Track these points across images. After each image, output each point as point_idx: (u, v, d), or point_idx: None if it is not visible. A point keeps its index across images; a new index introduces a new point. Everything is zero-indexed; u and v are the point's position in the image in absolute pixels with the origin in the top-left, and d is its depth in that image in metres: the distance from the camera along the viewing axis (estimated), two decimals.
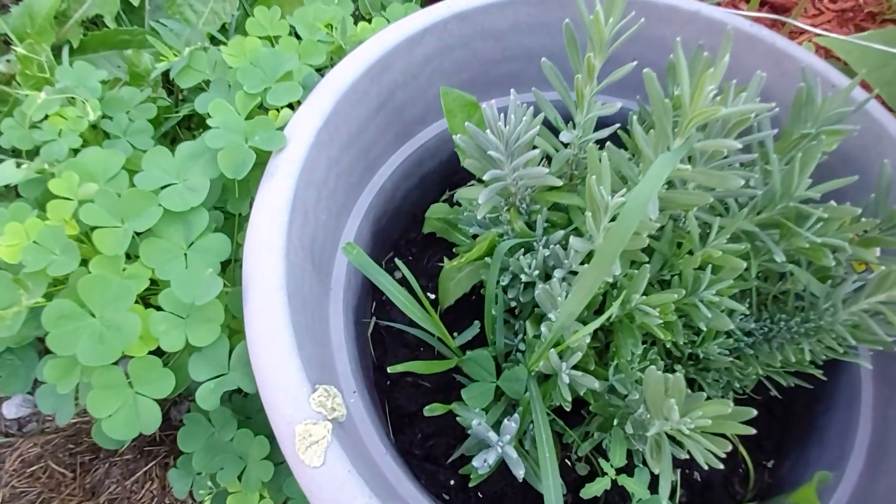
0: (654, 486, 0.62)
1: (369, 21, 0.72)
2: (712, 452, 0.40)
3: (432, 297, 0.71)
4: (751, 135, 0.54)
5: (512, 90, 0.48)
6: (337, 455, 0.41)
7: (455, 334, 0.61)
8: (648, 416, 0.43)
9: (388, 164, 0.68)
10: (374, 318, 0.68)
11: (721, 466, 0.39)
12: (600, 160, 0.41)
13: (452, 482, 0.60)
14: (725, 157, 0.49)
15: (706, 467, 0.40)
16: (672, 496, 0.62)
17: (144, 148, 0.61)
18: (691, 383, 0.63)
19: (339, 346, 0.57)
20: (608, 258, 0.39)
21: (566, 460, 0.63)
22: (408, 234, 0.76)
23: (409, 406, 0.65)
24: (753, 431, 0.38)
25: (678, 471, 0.64)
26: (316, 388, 0.43)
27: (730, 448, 0.40)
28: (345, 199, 0.62)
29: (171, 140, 0.80)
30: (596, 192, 0.41)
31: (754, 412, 0.41)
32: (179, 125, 0.78)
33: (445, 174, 0.76)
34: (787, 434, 0.68)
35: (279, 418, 0.42)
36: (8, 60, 0.76)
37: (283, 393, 0.42)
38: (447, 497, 0.61)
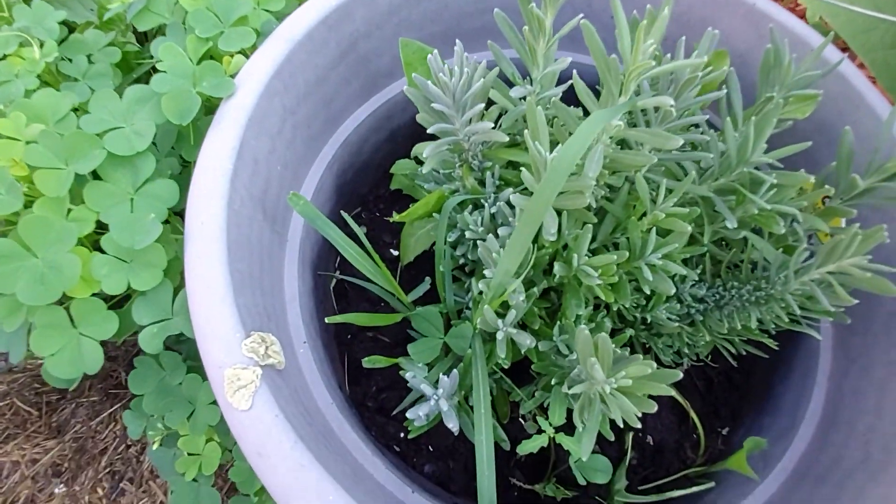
0: (603, 447, 0.63)
1: None
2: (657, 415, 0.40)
3: (396, 253, 0.71)
4: (725, 98, 0.53)
5: (458, 41, 0.46)
6: (265, 400, 0.41)
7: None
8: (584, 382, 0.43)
9: (354, 117, 0.67)
10: (337, 272, 0.69)
11: (639, 425, 0.39)
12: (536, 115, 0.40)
13: (402, 434, 0.61)
14: (681, 119, 0.48)
15: (636, 425, 0.40)
16: (623, 458, 0.63)
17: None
18: (646, 349, 0.63)
19: (293, 297, 0.57)
20: (536, 214, 0.38)
21: (521, 419, 0.64)
22: (377, 188, 0.75)
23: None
24: (672, 392, 0.38)
25: (631, 434, 0.64)
26: (250, 334, 0.44)
27: (654, 409, 0.40)
28: (304, 151, 0.61)
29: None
30: (532, 148, 0.40)
31: (679, 374, 0.41)
32: (152, 73, 0.77)
33: (418, 128, 0.74)
34: (744, 402, 0.69)
35: (211, 362, 0.42)
36: None
37: (215, 338, 0.43)
38: (398, 449, 0.62)
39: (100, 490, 0.64)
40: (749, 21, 0.65)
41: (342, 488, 0.40)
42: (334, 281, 0.69)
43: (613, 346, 0.39)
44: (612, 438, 0.52)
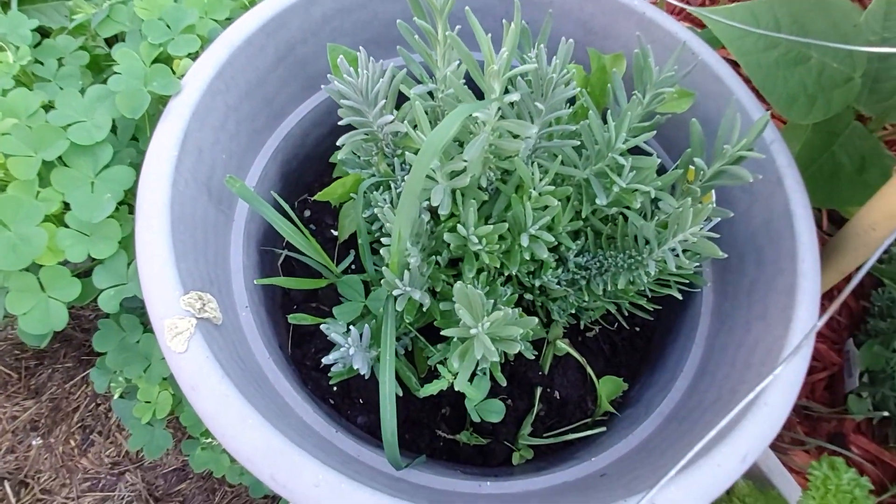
0: (515, 402, 0.71)
1: None
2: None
3: (336, 233, 0.80)
4: (612, 95, 0.63)
5: (361, 48, 0.55)
6: (198, 344, 0.50)
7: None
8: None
9: (296, 113, 0.76)
10: (279, 251, 0.77)
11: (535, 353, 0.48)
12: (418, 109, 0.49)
13: (335, 388, 0.70)
14: (550, 114, 0.57)
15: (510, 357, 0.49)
16: (531, 410, 0.72)
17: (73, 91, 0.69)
18: (546, 312, 0.72)
19: (237, 270, 0.66)
20: (413, 186, 0.47)
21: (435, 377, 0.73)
22: (321, 177, 0.84)
23: (309, 327, 0.74)
24: (522, 331, 0.47)
25: (539, 389, 0.73)
26: (188, 292, 0.52)
27: (516, 350, 0.49)
28: (248, 142, 0.70)
29: None
30: (412, 134, 0.49)
31: (535, 320, 0.50)
32: None
33: None
34: (642, 363, 0.78)
35: (154, 314, 0.51)
36: None
37: (157, 295, 0.51)
38: (332, 401, 0.71)
39: (72, 441, 0.72)
40: (641, 28, 0.74)
41: (261, 415, 0.49)
42: (281, 259, 0.78)
43: (503, 306, 0.48)
44: (505, 383, 0.61)
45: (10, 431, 0.73)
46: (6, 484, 0.70)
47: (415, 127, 0.60)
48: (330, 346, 0.74)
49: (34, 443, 0.72)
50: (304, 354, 0.72)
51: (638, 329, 0.80)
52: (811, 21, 0.74)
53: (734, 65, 0.75)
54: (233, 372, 0.52)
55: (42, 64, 0.69)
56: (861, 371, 0.99)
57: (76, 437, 0.73)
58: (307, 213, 0.81)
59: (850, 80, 0.74)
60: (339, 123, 0.83)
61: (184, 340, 0.50)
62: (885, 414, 0.92)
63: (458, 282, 0.48)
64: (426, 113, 0.62)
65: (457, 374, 0.60)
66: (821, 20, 0.74)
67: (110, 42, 0.89)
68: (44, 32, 0.79)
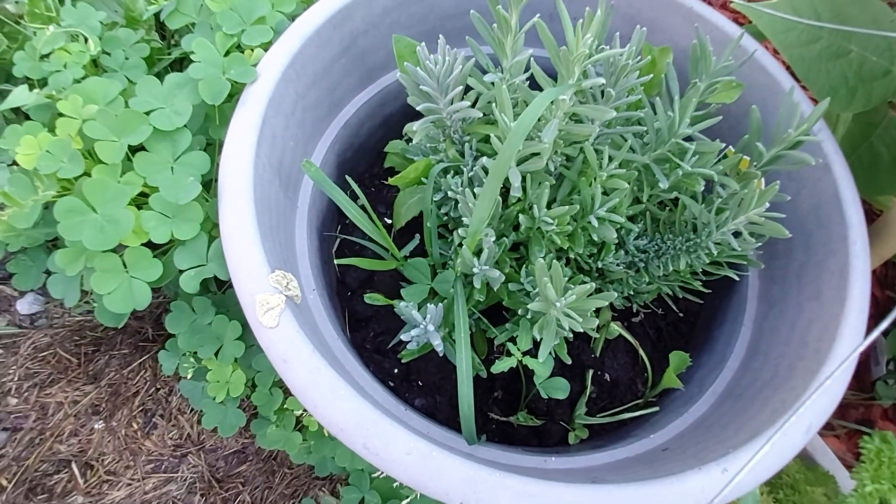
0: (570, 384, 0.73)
1: None
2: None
3: (390, 221, 0.82)
4: (664, 85, 0.65)
5: (441, 36, 0.57)
6: (288, 319, 0.52)
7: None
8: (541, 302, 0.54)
9: (353, 103, 0.78)
10: (339, 236, 0.79)
11: (596, 335, 0.50)
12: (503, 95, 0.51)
13: (396, 370, 0.72)
14: (620, 100, 0.60)
15: (574, 332, 0.51)
16: (584, 392, 0.74)
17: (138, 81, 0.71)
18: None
19: (303, 253, 0.68)
20: (501, 168, 0.49)
21: (496, 355, 0.75)
22: (372, 168, 0.86)
23: (365, 312, 0.76)
24: (607, 302, 0.49)
25: (591, 371, 0.75)
26: (274, 270, 0.54)
27: (595, 325, 0.51)
28: (312, 130, 0.72)
29: (163, 80, 0.90)
30: (499, 118, 0.51)
31: (615, 295, 0.52)
32: (171, 67, 0.88)
33: (407, 116, 0.85)
34: (688, 345, 0.80)
35: (244, 292, 0.53)
36: (16, 2, 0.84)
37: (247, 272, 0.53)
38: (392, 384, 0.72)
39: (135, 425, 0.74)
40: (688, 21, 0.77)
41: (350, 386, 0.51)
42: (336, 245, 0.80)
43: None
44: (570, 361, 0.63)
45: (72, 415, 0.74)
46: (73, 465, 0.72)
47: (485, 115, 0.62)
48: (388, 330, 0.76)
49: (97, 426, 0.74)
50: (363, 338, 0.74)
51: (682, 315, 0.82)
52: (851, 15, 0.76)
53: (776, 57, 0.78)
54: (318, 347, 0.53)
55: (109, 55, 0.71)
56: (888, 359, 1.02)
57: (138, 421, 0.75)
58: (358, 201, 0.83)
59: (889, 72, 0.77)
60: (392, 116, 0.85)
61: (275, 316, 0.52)
62: None
63: (539, 259, 0.50)
64: (491, 102, 0.64)
65: (526, 352, 0.62)
66: (861, 14, 0.77)
67: (163, 35, 0.91)
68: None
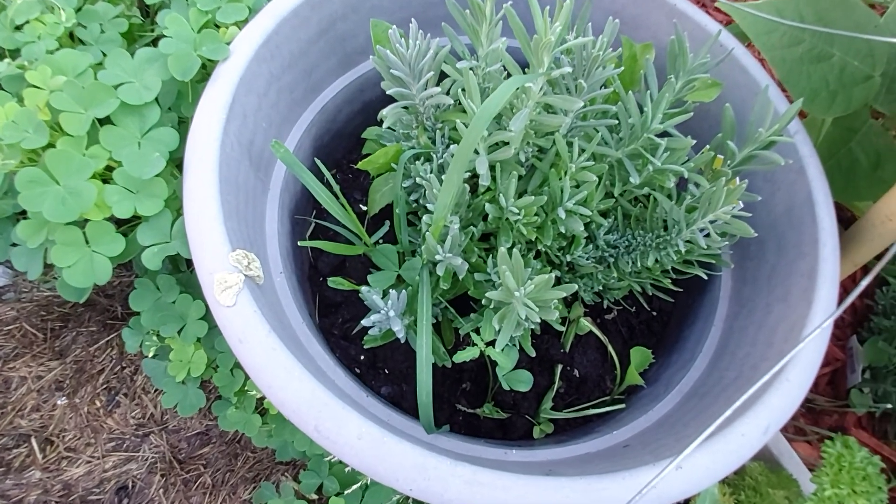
0: (537, 380, 0.72)
1: None
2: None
3: (365, 208, 0.81)
4: (643, 80, 0.65)
5: (413, 20, 0.57)
6: (246, 299, 0.51)
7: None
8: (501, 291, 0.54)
9: (331, 88, 0.77)
10: (313, 222, 0.79)
11: (561, 328, 0.50)
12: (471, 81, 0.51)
13: (363, 357, 0.72)
14: (592, 92, 0.59)
15: (544, 327, 0.51)
16: (551, 387, 0.74)
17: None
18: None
19: (272, 235, 0.68)
20: (464, 154, 0.48)
21: (462, 349, 0.74)
22: (350, 154, 0.85)
23: (335, 297, 0.75)
24: (567, 294, 0.48)
25: (560, 367, 0.75)
26: (235, 249, 0.54)
27: (555, 316, 0.51)
28: (287, 112, 0.71)
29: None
30: (465, 104, 0.50)
31: (575, 287, 0.52)
32: (153, 44, 0.87)
33: (386, 102, 0.85)
34: (660, 344, 0.80)
35: (203, 270, 0.52)
36: None
37: (207, 250, 0.53)
38: (358, 371, 0.72)
39: (97, 402, 0.73)
40: (671, 18, 0.76)
41: (306, 369, 0.50)
42: (311, 230, 0.79)
43: (530, 270, 0.50)
44: (534, 354, 0.63)
45: (35, 391, 0.74)
46: (33, 440, 0.71)
47: (458, 102, 0.62)
48: (357, 316, 0.75)
49: (59, 402, 0.73)
50: (331, 324, 0.74)
51: (655, 313, 0.82)
52: (835, 19, 0.76)
53: (758, 59, 0.78)
54: (276, 328, 0.53)
55: (85, 28, 0.70)
56: (864, 367, 1.02)
57: (101, 398, 0.74)
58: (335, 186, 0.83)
59: (870, 78, 0.76)
60: (372, 102, 0.85)
61: (232, 295, 0.51)
62: (889, 406, 0.95)
63: (501, 248, 0.50)
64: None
65: (490, 342, 0.61)
66: (844, 19, 0.77)
67: (145, 12, 0.90)
68: None
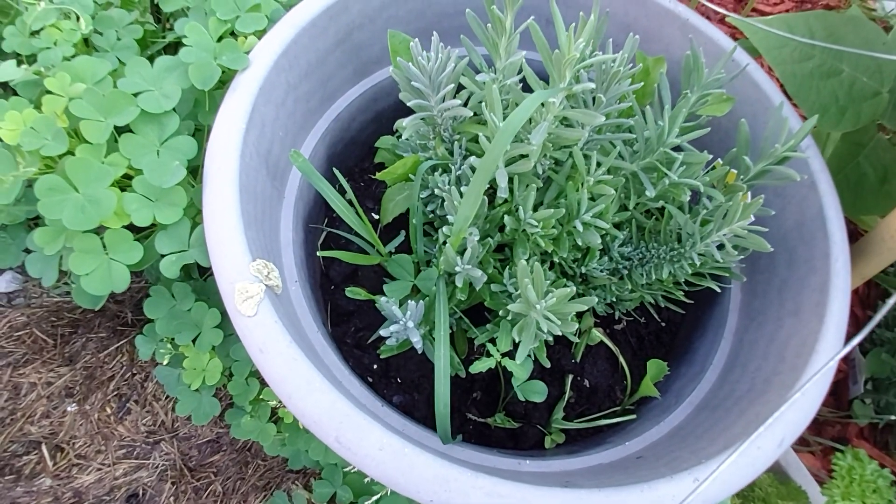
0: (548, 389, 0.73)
1: None
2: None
3: (377, 217, 0.81)
4: (657, 94, 0.65)
5: (435, 33, 0.57)
6: (267, 309, 0.52)
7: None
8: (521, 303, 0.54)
9: (346, 97, 0.78)
10: (325, 230, 0.79)
11: (576, 339, 0.50)
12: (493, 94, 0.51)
13: (376, 366, 0.72)
14: (610, 106, 0.60)
15: (555, 337, 0.51)
16: (562, 397, 0.74)
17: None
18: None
19: (287, 244, 0.68)
20: (488, 167, 0.49)
21: (475, 358, 0.75)
22: (362, 162, 0.85)
23: (348, 306, 0.76)
24: (587, 307, 0.49)
25: (571, 377, 0.75)
26: (255, 259, 0.54)
27: (574, 328, 0.51)
28: (303, 121, 0.71)
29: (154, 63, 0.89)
30: (488, 117, 0.51)
31: (596, 299, 0.52)
32: (164, 50, 0.87)
33: (399, 112, 0.85)
34: (669, 355, 0.80)
35: (224, 279, 0.52)
36: None
37: (228, 260, 0.53)
38: (370, 380, 0.72)
39: (108, 409, 0.73)
40: (684, 33, 0.77)
41: (326, 379, 0.50)
42: (322, 238, 0.79)
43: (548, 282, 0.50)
44: (549, 365, 0.63)
45: (45, 397, 0.73)
46: (43, 447, 0.71)
47: (476, 114, 0.62)
48: (369, 325, 0.75)
49: (69, 409, 0.73)
50: (343, 333, 0.74)
51: (664, 324, 0.82)
52: (844, 36, 0.77)
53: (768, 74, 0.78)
54: (296, 338, 0.53)
55: (101, 34, 0.70)
56: (866, 378, 1.03)
57: (112, 405, 0.74)
58: (346, 195, 0.83)
59: (878, 94, 0.77)
60: (384, 112, 0.85)
61: (254, 305, 0.51)
62: (893, 417, 0.95)
63: (521, 261, 0.50)
64: (482, 102, 0.64)
65: (505, 353, 0.61)
66: (853, 35, 0.78)
67: (157, 19, 0.90)
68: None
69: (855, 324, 1.10)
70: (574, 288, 0.49)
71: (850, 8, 1.03)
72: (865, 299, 1.11)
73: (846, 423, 1.02)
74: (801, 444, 0.99)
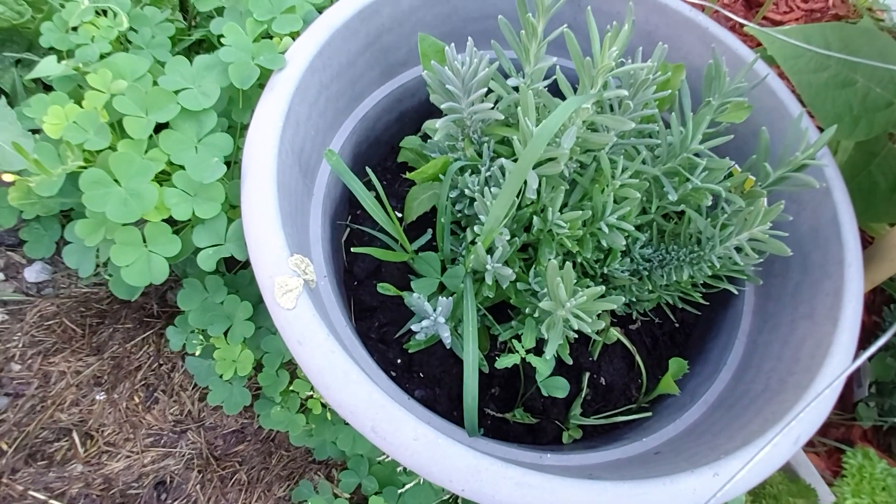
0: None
1: None
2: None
3: (400, 215, 0.83)
4: (677, 101, 0.67)
5: (469, 38, 0.59)
6: (305, 302, 0.53)
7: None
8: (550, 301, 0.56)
9: (372, 97, 0.79)
10: (348, 227, 0.80)
11: (598, 338, 0.52)
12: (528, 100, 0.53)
13: (399, 361, 0.74)
14: (637, 112, 0.62)
15: (581, 332, 0.53)
16: (579, 394, 0.76)
17: (163, 60, 0.72)
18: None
19: (316, 240, 0.69)
20: (521, 171, 0.51)
21: (496, 355, 0.76)
22: (385, 161, 0.87)
23: (371, 302, 0.77)
24: (615, 305, 0.51)
25: (587, 375, 0.77)
26: (293, 254, 0.56)
27: (603, 325, 0.53)
28: (332, 120, 0.73)
29: (187, 60, 0.91)
30: (522, 122, 0.53)
31: (623, 299, 0.54)
32: (191, 48, 0.89)
33: (422, 113, 0.87)
34: (683, 355, 0.82)
35: (263, 273, 0.54)
36: None
37: (268, 254, 0.55)
38: (394, 374, 0.74)
39: (136, 398, 0.74)
40: (703, 42, 0.79)
41: (364, 372, 0.52)
42: (345, 235, 0.81)
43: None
44: (571, 362, 0.65)
45: (74, 385, 0.75)
46: (74, 434, 0.72)
47: (504, 117, 0.64)
48: (393, 320, 0.77)
49: (98, 397, 0.75)
50: (367, 328, 0.76)
51: (678, 325, 0.84)
52: (859, 47, 0.79)
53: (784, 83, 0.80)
54: (332, 332, 0.55)
55: (136, 32, 0.72)
56: (870, 382, 1.05)
57: (140, 394, 0.76)
58: (373, 193, 0.85)
59: (892, 104, 0.79)
60: (408, 112, 0.87)
61: (293, 298, 0.53)
62: (895, 420, 0.98)
63: (552, 260, 0.52)
64: (511, 106, 0.66)
65: (530, 349, 0.63)
66: (868, 47, 0.80)
67: (184, 16, 0.92)
68: None
69: (861, 329, 1.12)
70: (602, 287, 0.51)
71: (863, 19, 1.05)
72: (871, 305, 1.13)
73: (851, 425, 1.05)
74: (807, 444, 1.01)
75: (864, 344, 1.13)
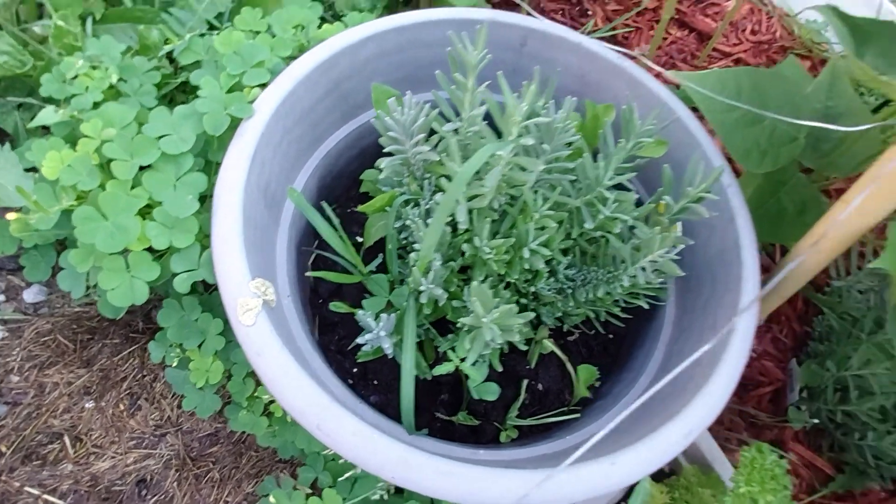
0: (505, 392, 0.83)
1: (332, 22, 0.93)
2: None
3: (361, 240, 0.93)
4: (603, 140, 0.77)
5: (408, 91, 0.69)
6: (263, 320, 0.63)
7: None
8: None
9: (334, 137, 0.89)
10: (314, 251, 0.90)
11: (525, 347, 0.61)
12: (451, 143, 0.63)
13: (355, 370, 0.83)
14: (554, 153, 0.72)
15: (511, 346, 0.62)
16: (517, 398, 0.85)
17: (149, 106, 0.82)
18: (537, 316, 0.85)
19: (281, 264, 0.79)
20: (447, 205, 0.60)
21: (440, 363, 0.85)
22: (349, 191, 0.97)
23: (332, 318, 0.86)
24: (526, 320, 0.60)
25: (525, 381, 0.87)
26: (255, 278, 0.65)
27: (517, 338, 0.63)
28: (295, 159, 0.83)
29: (169, 100, 1.01)
30: (447, 164, 0.63)
31: (532, 315, 0.63)
32: (176, 89, 0.99)
33: (381, 148, 0.97)
34: (613, 364, 0.92)
35: (228, 295, 0.64)
36: (43, 25, 0.95)
37: (231, 278, 0.64)
38: (350, 381, 0.83)
39: (121, 405, 0.83)
40: (630, 85, 0.89)
41: (311, 378, 0.61)
42: (312, 259, 0.91)
43: (498, 300, 0.62)
44: (501, 369, 0.74)
45: (66, 394, 0.84)
46: (65, 438, 0.81)
47: (442, 157, 0.74)
48: (351, 334, 0.86)
49: (87, 405, 0.83)
50: (328, 341, 0.85)
51: (611, 336, 0.94)
52: (768, 89, 0.90)
53: (702, 118, 0.91)
54: (287, 344, 0.64)
55: (125, 81, 0.82)
56: (801, 387, 1.14)
57: (124, 402, 0.84)
58: (336, 220, 0.94)
59: (795, 139, 0.90)
60: (368, 148, 0.97)
61: (253, 316, 0.63)
62: (817, 422, 1.07)
63: (474, 282, 0.62)
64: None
65: (463, 358, 0.73)
66: (776, 89, 0.90)
67: (170, 60, 1.02)
68: None
69: (793, 337, 1.21)
70: (515, 303, 0.61)
71: (788, 59, 1.15)
72: (803, 315, 1.23)
73: (783, 427, 1.14)
74: (741, 444, 1.10)
75: (795, 351, 1.23)
